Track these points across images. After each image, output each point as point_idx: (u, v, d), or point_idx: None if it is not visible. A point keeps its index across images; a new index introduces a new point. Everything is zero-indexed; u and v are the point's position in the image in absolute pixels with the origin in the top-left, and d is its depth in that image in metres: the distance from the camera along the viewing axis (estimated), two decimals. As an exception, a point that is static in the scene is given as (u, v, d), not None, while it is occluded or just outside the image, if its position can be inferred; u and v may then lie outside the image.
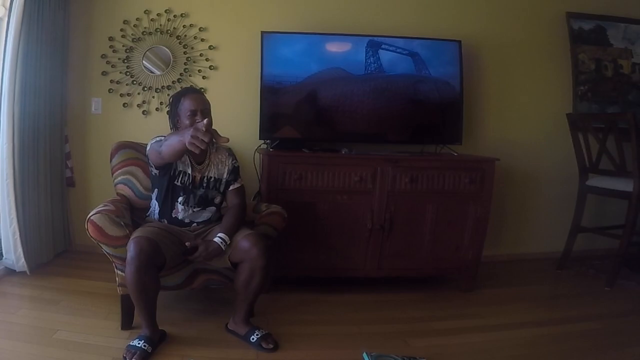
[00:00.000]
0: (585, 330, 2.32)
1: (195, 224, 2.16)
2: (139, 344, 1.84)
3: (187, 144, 1.65)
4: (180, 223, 2.13)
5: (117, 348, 1.87)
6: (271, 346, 1.97)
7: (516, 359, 2.04)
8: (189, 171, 2.11)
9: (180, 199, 2.10)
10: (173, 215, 2.12)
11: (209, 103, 2.12)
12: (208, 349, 1.96)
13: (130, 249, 1.80)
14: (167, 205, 2.12)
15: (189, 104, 2.03)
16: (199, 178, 2.13)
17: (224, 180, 2.19)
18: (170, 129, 2.15)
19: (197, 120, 1.95)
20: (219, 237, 1.99)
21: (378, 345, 2.01)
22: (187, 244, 1.98)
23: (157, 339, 1.93)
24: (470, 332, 2.27)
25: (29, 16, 2.51)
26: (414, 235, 2.68)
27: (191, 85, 2.98)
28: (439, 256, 2.74)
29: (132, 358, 1.79)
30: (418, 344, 2.11)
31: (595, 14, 3.44)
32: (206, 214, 2.18)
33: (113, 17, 2.98)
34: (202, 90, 2.94)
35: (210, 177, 2.16)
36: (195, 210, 2.13)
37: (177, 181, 2.09)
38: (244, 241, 1.97)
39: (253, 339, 2.00)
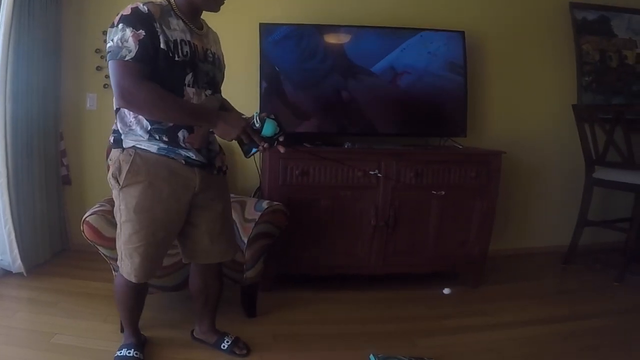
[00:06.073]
0: (596, 327, 2.27)
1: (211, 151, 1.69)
2: (129, 353, 1.75)
3: (226, 136, 1.46)
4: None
5: (117, 353, 1.82)
6: (244, 351, 1.89)
7: (525, 358, 1.99)
8: (189, 37, 1.52)
9: (187, 77, 1.51)
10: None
11: None
12: (207, 352, 1.90)
13: None
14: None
15: None
16: (200, 48, 1.57)
17: (223, 62, 1.73)
18: None
19: None
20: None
21: (384, 346, 1.97)
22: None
23: (143, 343, 1.86)
24: (477, 331, 2.23)
25: (20, 10, 2.42)
26: (419, 231, 2.63)
27: None
28: (445, 252, 2.69)
29: None
30: (425, 343, 2.06)
31: (599, 4, 3.38)
32: (215, 103, 1.66)
33: (107, 10, 2.87)
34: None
35: (214, 52, 1.64)
36: (207, 94, 1.59)
37: (178, 56, 1.48)
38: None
39: (224, 346, 1.90)
